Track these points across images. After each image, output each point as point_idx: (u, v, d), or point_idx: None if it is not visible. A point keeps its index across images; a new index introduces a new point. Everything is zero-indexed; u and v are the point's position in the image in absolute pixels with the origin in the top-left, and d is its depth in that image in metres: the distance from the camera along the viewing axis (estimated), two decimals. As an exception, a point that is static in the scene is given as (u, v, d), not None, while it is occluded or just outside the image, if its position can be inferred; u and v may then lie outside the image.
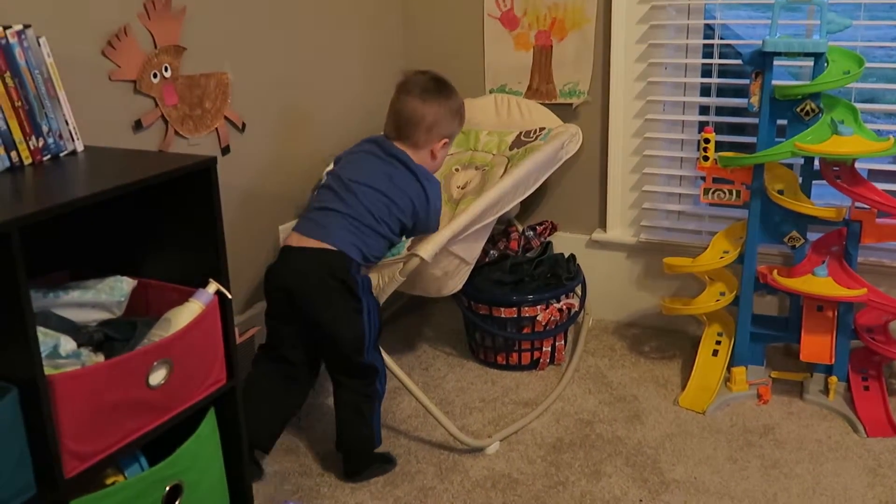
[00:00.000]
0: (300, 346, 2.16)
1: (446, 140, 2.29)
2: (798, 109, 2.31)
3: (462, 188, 2.72)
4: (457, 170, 2.78)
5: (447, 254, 2.27)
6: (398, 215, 2.18)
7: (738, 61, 2.56)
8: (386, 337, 2.30)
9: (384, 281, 2.22)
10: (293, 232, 2.17)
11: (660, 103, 2.81)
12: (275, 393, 2.18)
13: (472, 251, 2.40)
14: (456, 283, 2.41)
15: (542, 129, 2.78)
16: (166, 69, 2.07)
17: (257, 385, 2.17)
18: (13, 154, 1.56)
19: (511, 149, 2.76)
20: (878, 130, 2.35)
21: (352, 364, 2.14)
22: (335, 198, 2.17)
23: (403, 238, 2.30)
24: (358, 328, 2.10)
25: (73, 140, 1.68)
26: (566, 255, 2.82)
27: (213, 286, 1.67)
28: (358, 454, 2.19)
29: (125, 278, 1.69)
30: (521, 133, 2.80)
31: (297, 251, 2.12)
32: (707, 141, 2.42)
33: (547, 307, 2.64)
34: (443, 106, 2.25)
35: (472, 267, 2.44)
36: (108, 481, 1.56)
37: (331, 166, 2.37)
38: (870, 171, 2.52)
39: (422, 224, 2.24)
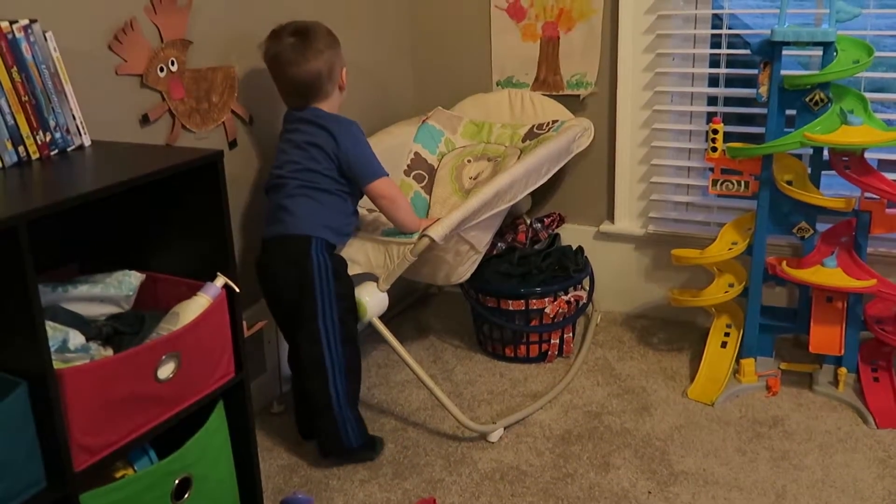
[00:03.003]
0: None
1: (344, 67, 2.25)
2: (807, 99, 2.29)
3: (474, 179, 2.72)
4: (469, 161, 2.78)
5: (458, 238, 2.27)
6: (316, 167, 2.14)
7: (747, 51, 2.55)
8: (395, 329, 2.30)
9: (394, 261, 2.22)
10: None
11: (668, 94, 2.80)
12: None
13: (481, 239, 2.40)
14: (464, 272, 2.42)
15: (554, 121, 2.78)
16: (173, 63, 2.07)
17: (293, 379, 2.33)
18: (20, 149, 1.56)
19: (524, 141, 2.76)
20: (888, 120, 2.34)
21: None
22: (273, 191, 2.18)
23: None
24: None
25: (80, 134, 1.68)
26: (574, 247, 2.81)
27: (220, 280, 1.67)
28: (333, 454, 2.21)
29: (133, 272, 1.70)
30: (534, 126, 2.80)
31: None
32: (715, 132, 2.41)
33: (555, 299, 2.63)
34: (326, 50, 2.17)
35: (480, 256, 2.45)
36: (118, 475, 1.57)
37: None
38: (880, 161, 2.50)
39: (350, 167, 2.15)
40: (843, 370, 2.41)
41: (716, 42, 2.74)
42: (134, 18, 1.95)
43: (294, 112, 2.21)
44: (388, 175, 2.22)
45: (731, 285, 2.53)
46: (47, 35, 1.62)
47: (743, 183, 2.43)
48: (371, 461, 2.21)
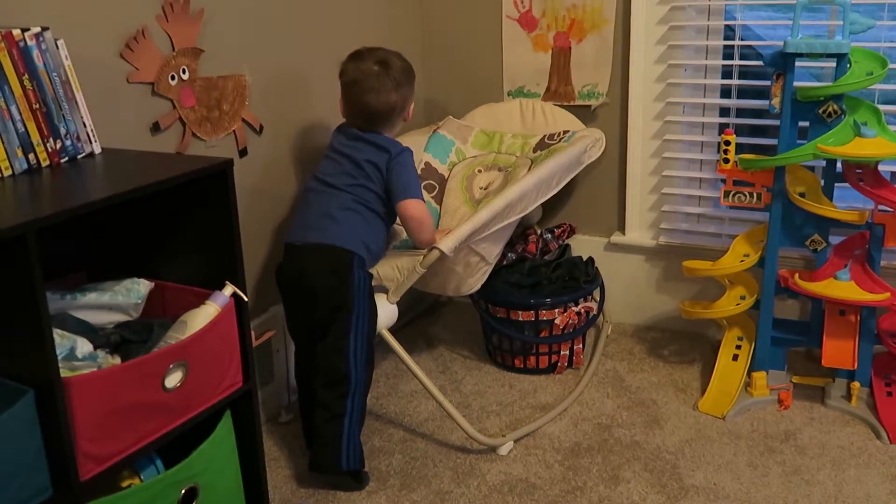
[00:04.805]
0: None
1: (413, 102, 2.31)
2: (820, 111, 2.28)
3: (485, 189, 2.71)
4: (479, 171, 2.77)
5: (468, 250, 2.26)
6: (371, 186, 2.18)
7: (759, 62, 2.54)
8: (404, 340, 2.29)
9: (404, 273, 2.21)
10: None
11: (679, 105, 2.79)
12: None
13: (492, 251, 2.40)
14: (474, 283, 2.41)
15: (565, 131, 2.77)
16: (184, 71, 2.08)
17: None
18: (31, 156, 1.56)
19: (535, 151, 2.75)
20: (902, 132, 2.31)
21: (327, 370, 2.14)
22: (318, 197, 2.19)
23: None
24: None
25: (90, 142, 1.68)
26: (584, 258, 2.80)
27: (229, 289, 1.67)
28: (323, 469, 2.17)
29: (142, 280, 1.69)
30: (545, 136, 2.79)
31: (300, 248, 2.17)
32: (727, 143, 2.40)
33: (565, 310, 2.62)
34: (405, 85, 2.23)
35: (491, 268, 2.44)
36: (124, 484, 1.56)
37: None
38: (893, 173, 2.48)
39: (391, 181, 2.18)
40: (856, 384, 2.39)
41: (728, 53, 2.73)
42: (146, 27, 1.96)
43: (354, 130, 2.24)
44: (423, 200, 2.24)
45: (743, 297, 2.51)
46: (59, 43, 1.62)
47: (755, 195, 2.42)
48: (354, 491, 2.15)
